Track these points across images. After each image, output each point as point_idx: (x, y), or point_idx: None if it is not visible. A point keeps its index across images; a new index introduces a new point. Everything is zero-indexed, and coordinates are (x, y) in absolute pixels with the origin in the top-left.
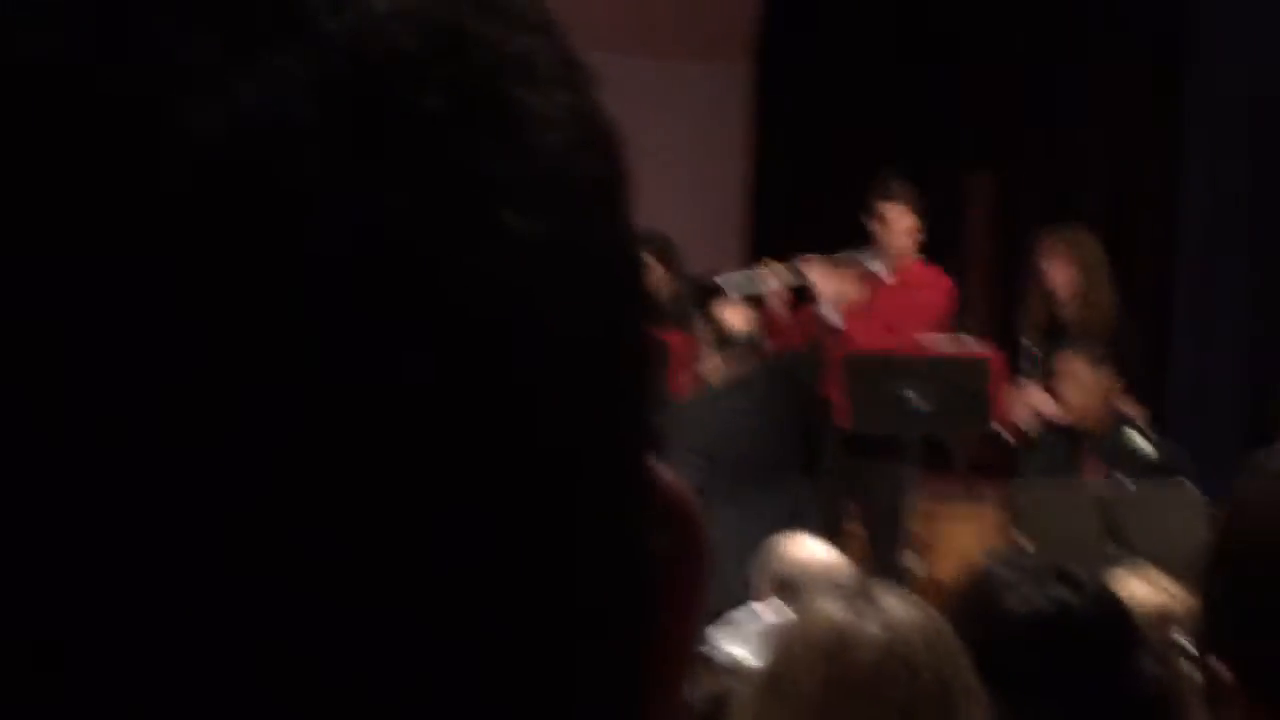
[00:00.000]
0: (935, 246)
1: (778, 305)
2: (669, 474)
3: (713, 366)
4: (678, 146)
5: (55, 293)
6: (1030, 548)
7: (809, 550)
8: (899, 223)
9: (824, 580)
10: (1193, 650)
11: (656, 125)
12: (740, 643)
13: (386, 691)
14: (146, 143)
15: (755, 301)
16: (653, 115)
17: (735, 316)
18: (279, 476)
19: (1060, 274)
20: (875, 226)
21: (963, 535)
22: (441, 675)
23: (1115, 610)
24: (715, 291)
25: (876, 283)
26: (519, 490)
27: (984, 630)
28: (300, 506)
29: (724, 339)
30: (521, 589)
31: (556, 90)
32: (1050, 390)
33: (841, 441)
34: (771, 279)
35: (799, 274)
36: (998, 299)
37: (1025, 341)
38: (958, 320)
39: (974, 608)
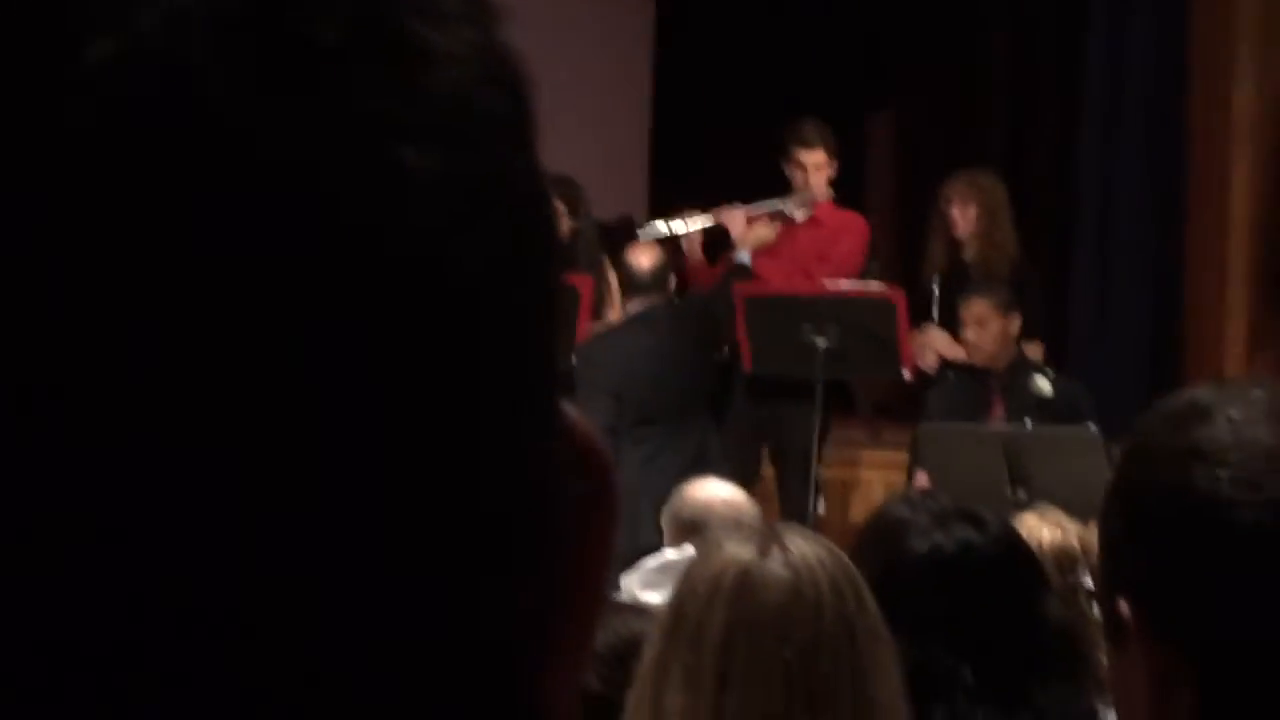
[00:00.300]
0: (836, 187)
1: (695, 251)
2: (578, 416)
3: (620, 310)
4: (578, 88)
5: None
6: (934, 490)
7: (714, 491)
8: (815, 167)
9: (729, 521)
10: (1094, 590)
11: (556, 66)
12: (651, 588)
13: (294, 625)
14: (41, 77)
15: (671, 246)
16: (552, 56)
17: (644, 257)
18: (196, 419)
19: (963, 215)
20: (792, 171)
21: (868, 479)
22: (350, 608)
23: (1018, 550)
24: (626, 236)
25: (794, 227)
26: (419, 428)
27: (887, 570)
28: (203, 439)
29: (633, 281)
30: (425, 529)
31: (461, 26)
32: (953, 332)
33: (751, 384)
34: (688, 226)
35: (717, 221)
36: (900, 240)
37: (928, 283)
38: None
39: (877, 548)
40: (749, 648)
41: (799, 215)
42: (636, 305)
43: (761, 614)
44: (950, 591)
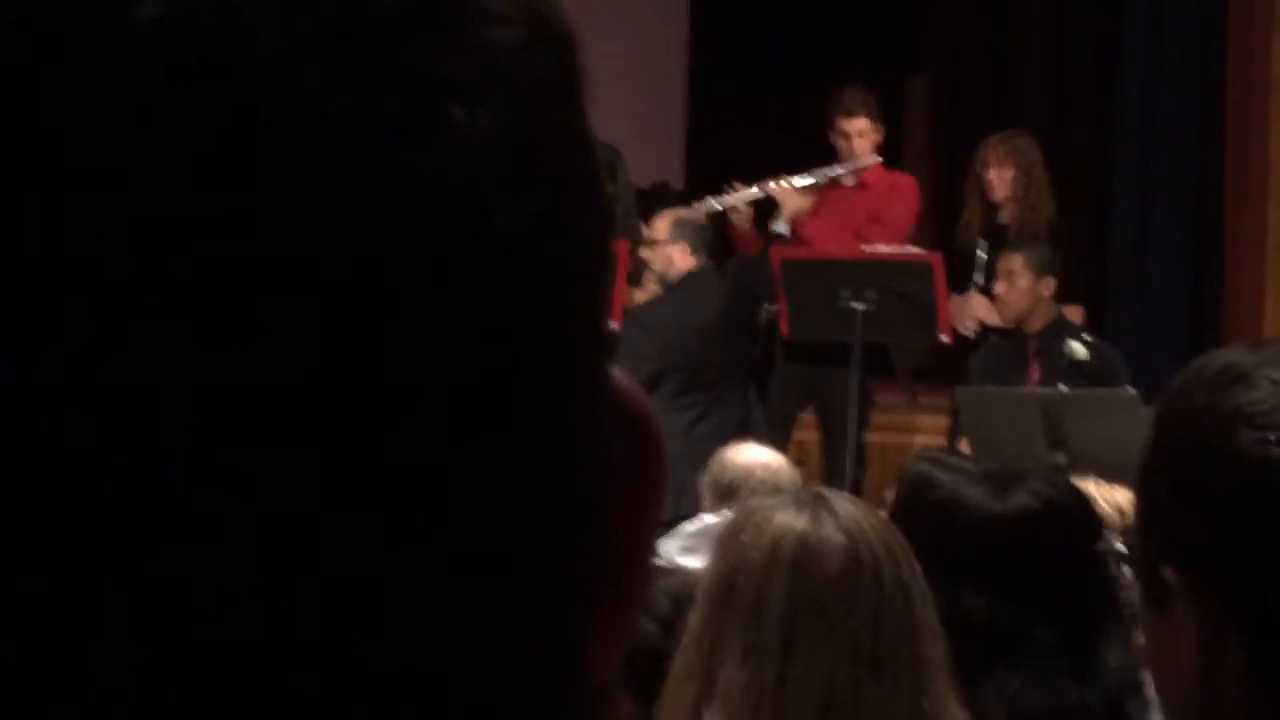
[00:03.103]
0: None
1: (745, 223)
2: (624, 379)
3: (655, 275)
4: (615, 54)
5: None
6: (974, 453)
7: (753, 456)
8: (858, 134)
9: (769, 485)
10: (1131, 554)
11: (593, 31)
12: (690, 553)
13: (336, 591)
14: (93, 37)
15: (722, 219)
16: (588, 21)
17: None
18: (237, 370)
19: (999, 178)
20: (836, 140)
21: (905, 443)
22: (393, 575)
23: (1087, 511)
24: (662, 202)
25: (845, 192)
26: (460, 385)
27: (955, 528)
28: (248, 391)
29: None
30: (471, 486)
31: None
32: (990, 294)
33: (791, 349)
34: (738, 200)
35: (764, 193)
36: (937, 203)
37: (970, 246)
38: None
39: (937, 510)
40: (814, 617)
41: (847, 181)
42: (674, 270)
43: (824, 583)
44: (1023, 549)
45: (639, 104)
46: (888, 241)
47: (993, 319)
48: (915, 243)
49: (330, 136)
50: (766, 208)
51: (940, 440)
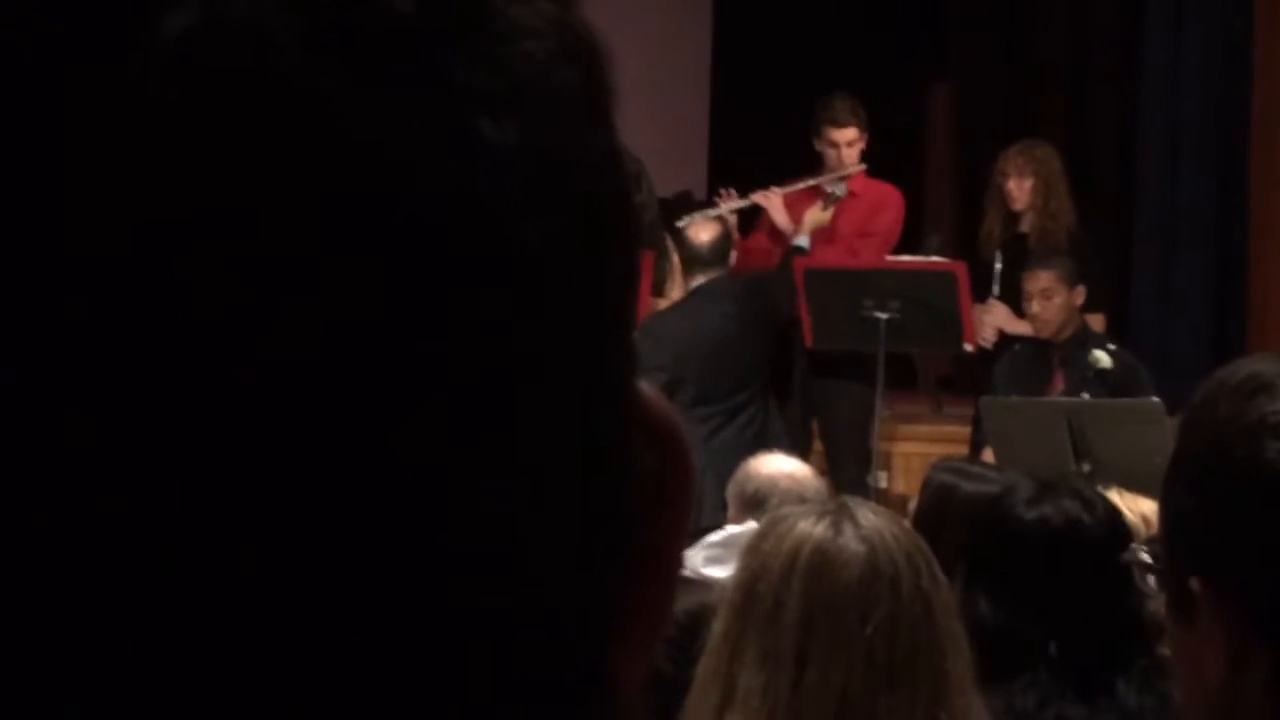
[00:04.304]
0: (896, 159)
1: (733, 232)
2: (652, 391)
3: (682, 286)
4: (638, 64)
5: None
6: (998, 463)
7: (778, 466)
8: (847, 144)
9: (794, 495)
10: (1157, 565)
11: (615, 42)
12: (715, 563)
13: (365, 597)
14: (119, 48)
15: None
16: (612, 31)
17: (703, 232)
18: (251, 377)
19: (1019, 187)
20: (824, 149)
21: (929, 452)
22: (393, 576)
23: (1121, 525)
24: (686, 212)
25: (837, 205)
26: (490, 397)
27: (987, 536)
28: (271, 396)
29: (693, 256)
30: (500, 499)
31: (539, 1)
32: (1013, 306)
33: (809, 359)
34: (727, 209)
35: (754, 203)
36: (959, 212)
37: (988, 257)
38: (922, 234)
39: (958, 520)
40: (829, 625)
41: (837, 191)
42: (698, 280)
43: (840, 591)
44: (1052, 565)
45: (662, 113)
46: (875, 255)
47: (1012, 328)
48: (938, 253)
49: (356, 148)
50: (753, 218)
51: (964, 450)
